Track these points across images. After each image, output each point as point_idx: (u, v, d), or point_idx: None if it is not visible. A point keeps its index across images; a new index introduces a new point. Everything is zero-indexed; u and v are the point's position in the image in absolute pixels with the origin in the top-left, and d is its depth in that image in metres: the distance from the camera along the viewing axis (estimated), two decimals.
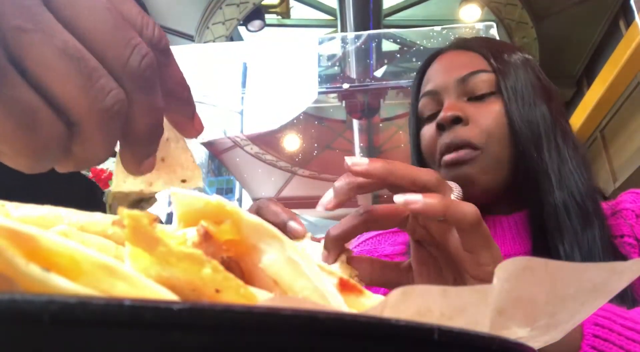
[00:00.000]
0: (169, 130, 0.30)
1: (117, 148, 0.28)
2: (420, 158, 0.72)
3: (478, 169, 0.63)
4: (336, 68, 4.49)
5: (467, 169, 0.63)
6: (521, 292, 0.20)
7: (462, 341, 0.15)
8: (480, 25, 3.82)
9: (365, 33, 4.20)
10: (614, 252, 0.58)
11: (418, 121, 0.73)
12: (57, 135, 0.24)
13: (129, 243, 0.17)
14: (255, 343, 0.13)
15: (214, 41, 4.53)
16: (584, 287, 0.22)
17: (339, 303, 0.20)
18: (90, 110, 0.24)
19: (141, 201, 0.33)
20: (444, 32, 3.73)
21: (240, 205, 4.39)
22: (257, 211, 0.43)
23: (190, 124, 0.31)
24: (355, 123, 4.67)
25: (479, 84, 0.66)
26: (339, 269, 0.36)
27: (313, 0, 4.72)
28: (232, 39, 4.70)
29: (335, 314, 0.13)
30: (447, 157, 0.64)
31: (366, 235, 0.75)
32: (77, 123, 0.24)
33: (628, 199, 0.65)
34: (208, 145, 4.40)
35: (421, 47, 4.07)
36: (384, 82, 4.17)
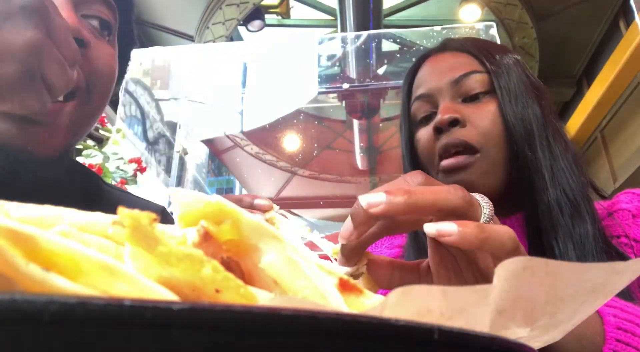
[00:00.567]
0: None
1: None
2: (415, 162, 0.71)
3: (477, 174, 0.63)
4: (336, 68, 4.49)
5: (465, 175, 0.63)
6: (521, 292, 0.20)
7: (462, 341, 0.15)
8: (480, 26, 3.81)
9: (365, 33, 4.20)
10: (609, 251, 0.58)
11: (411, 125, 0.73)
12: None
13: (129, 243, 0.17)
14: (255, 343, 0.13)
15: (214, 41, 4.53)
16: (584, 287, 0.22)
17: (339, 303, 0.20)
18: None
19: None
20: (444, 32, 3.73)
21: None
22: None
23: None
24: (355, 123, 4.67)
25: (472, 85, 0.66)
26: (359, 281, 0.37)
27: (313, 0, 4.72)
28: (232, 39, 4.70)
29: (335, 314, 0.13)
30: (445, 163, 0.64)
31: None
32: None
33: (624, 200, 0.65)
34: (208, 143, 4.41)
35: (421, 47, 4.07)
36: (384, 82, 4.18)
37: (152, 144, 3.81)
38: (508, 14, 4.28)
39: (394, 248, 0.72)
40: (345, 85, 4.03)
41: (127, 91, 3.59)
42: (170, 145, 3.96)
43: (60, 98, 0.48)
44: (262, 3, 4.48)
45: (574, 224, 0.59)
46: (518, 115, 0.64)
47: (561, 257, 0.57)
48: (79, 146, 1.94)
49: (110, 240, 0.20)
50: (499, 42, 3.28)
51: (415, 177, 0.37)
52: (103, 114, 2.27)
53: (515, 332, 0.21)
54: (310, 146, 4.78)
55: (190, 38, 4.67)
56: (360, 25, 4.27)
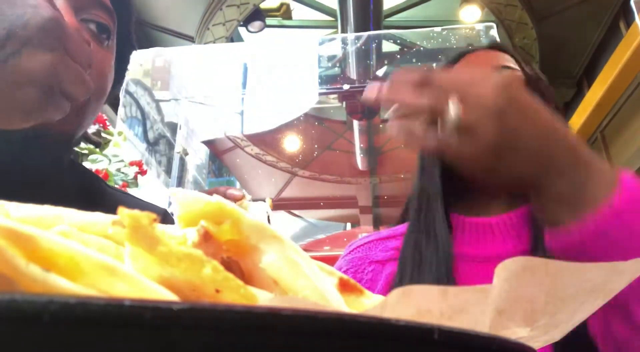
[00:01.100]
0: None
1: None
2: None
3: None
4: (336, 69, 4.50)
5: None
6: (521, 292, 0.20)
7: (462, 341, 0.15)
8: (481, 26, 3.82)
9: (365, 34, 4.21)
10: None
11: None
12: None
13: (128, 243, 0.17)
14: (255, 343, 0.13)
15: (214, 42, 4.53)
16: (584, 287, 0.22)
17: (339, 303, 0.20)
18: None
19: None
20: (444, 33, 3.73)
21: None
22: None
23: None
24: (356, 124, 4.67)
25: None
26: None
27: (313, 1, 4.73)
28: (232, 40, 4.71)
29: (335, 314, 0.13)
30: None
31: (357, 242, 0.76)
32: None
33: None
34: (209, 144, 4.41)
35: (421, 48, 4.07)
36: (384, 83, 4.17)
37: (152, 145, 3.81)
38: (508, 14, 4.28)
39: (388, 251, 0.73)
40: (346, 86, 4.03)
41: (127, 92, 3.59)
42: (170, 146, 3.96)
43: None
44: (262, 7, 4.49)
45: None
46: None
47: None
48: (85, 151, 1.94)
49: (110, 240, 0.20)
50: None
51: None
52: (105, 117, 2.28)
53: (515, 332, 0.21)
54: (310, 147, 4.78)
55: (190, 39, 4.67)
56: (361, 26, 4.27)
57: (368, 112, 4.36)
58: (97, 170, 1.87)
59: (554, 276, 0.21)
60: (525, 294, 0.20)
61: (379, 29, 4.42)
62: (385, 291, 0.68)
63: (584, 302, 0.22)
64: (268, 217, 0.50)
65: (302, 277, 0.19)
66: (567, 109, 4.93)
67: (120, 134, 2.19)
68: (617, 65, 3.57)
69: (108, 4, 0.56)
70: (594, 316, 0.25)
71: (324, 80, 4.16)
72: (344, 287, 0.22)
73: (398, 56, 4.43)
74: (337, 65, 4.46)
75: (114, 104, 3.43)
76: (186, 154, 3.87)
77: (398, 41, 4.48)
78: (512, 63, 0.71)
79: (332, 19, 4.77)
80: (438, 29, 3.81)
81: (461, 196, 0.68)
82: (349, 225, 5.67)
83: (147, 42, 4.67)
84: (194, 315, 0.12)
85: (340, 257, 0.76)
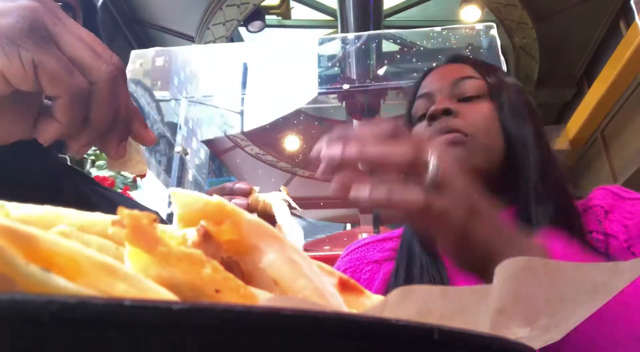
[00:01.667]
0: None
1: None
2: None
3: (469, 151, 0.66)
4: (336, 69, 4.49)
5: (457, 151, 0.65)
6: (521, 292, 0.20)
7: (462, 341, 0.15)
8: (480, 26, 3.81)
9: (365, 34, 4.20)
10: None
11: (410, 121, 0.77)
12: (84, 85, 0.34)
13: (128, 243, 0.17)
14: (255, 343, 0.13)
15: (214, 42, 4.53)
16: (584, 287, 0.22)
17: (339, 303, 0.20)
18: (102, 71, 0.35)
19: None
20: (444, 32, 3.73)
21: None
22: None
23: (146, 132, 0.41)
24: (356, 124, 4.67)
25: (469, 88, 0.71)
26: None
27: (313, 0, 4.72)
28: (232, 40, 4.70)
29: (335, 314, 0.13)
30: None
31: (354, 245, 0.78)
32: (94, 81, 0.35)
33: (598, 196, 0.67)
34: (209, 143, 4.41)
35: (421, 48, 4.06)
36: (384, 83, 4.17)
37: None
38: (508, 14, 4.28)
39: (385, 251, 0.74)
40: (346, 86, 4.02)
41: None
42: (170, 145, 3.96)
43: None
44: (263, 4, 4.48)
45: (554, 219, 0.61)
46: (513, 121, 0.68)
47: None
48: (92, 157, 1.93)
49: (110, 240, 0.20)
50: (499, 42, 3.28)
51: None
52: None
53: (515, 332, 0.21)
54: (310, 147, 4.75)
55: (190, 39, 4.67)
56: (361, 26, 4.26)
57: (368, 112, 4.35)
58: (104, 178, 1.86)
59: (554, 276, 0.21)
60: (525, 294, 0.20)
61: (379, 28, 4.42)
62: (381, 290, 0.68)
63: (584, 302, 0.22)
64: (289, 204, 0.50)
65: (302, 277, 0.19)
66: (567, 109, 4.93)
67: None
68: (617, 65, 3.57)
69: None
70: None
71: (324, 80, 4.16)
72: (344, 287, 0.22)
73: (398, 56, 4.42)
74: (337, 65, 4.46)
75: None
76: (186, 153, 3.87)
77: (398, 41, 4.47)
78: (474, 73, 0.73)
79: (332, 18, 4.77)
80: (438, 28, 3.80)
81: None
82: (349, 225, 5.66)
83: (147, 42, 4.67)
84: (194, 315, 0.12)
85: (339, 259, 0.78)
